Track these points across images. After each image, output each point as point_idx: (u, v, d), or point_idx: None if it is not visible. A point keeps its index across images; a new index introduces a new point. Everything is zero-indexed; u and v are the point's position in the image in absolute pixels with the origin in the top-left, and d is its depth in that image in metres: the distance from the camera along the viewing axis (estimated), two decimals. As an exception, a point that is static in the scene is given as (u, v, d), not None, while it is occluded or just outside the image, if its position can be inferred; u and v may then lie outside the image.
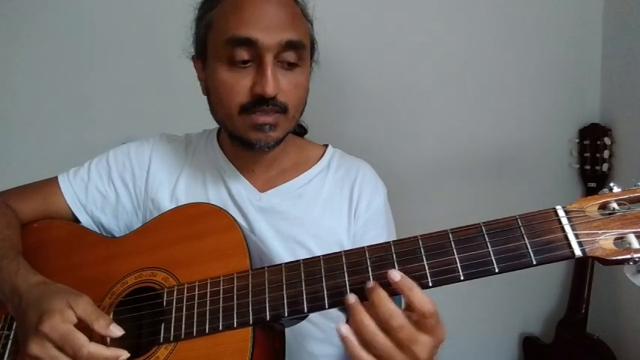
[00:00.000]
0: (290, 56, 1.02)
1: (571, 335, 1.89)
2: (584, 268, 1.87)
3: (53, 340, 0.81)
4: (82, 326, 0.83)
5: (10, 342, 1.00)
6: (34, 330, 0.82)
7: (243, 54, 0.99)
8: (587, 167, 1.90)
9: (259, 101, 1.00)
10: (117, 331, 0.85)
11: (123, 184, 1.21)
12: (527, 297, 2.06)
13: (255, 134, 1.04)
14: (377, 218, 1.21)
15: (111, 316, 0.95)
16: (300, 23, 1.06)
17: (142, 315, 0.96)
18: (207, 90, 1.11)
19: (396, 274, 0.76)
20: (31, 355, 0.82)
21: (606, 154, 1.84)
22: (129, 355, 0.84)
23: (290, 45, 1.00)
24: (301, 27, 1.05)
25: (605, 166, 1.83)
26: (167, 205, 1.16)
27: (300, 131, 1.35)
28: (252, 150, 1.07)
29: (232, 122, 1.05)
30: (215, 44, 1.04)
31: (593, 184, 1.89)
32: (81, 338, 0.81)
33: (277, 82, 1.00)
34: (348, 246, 1.16)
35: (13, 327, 1.01)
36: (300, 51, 1.03)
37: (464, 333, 2.03)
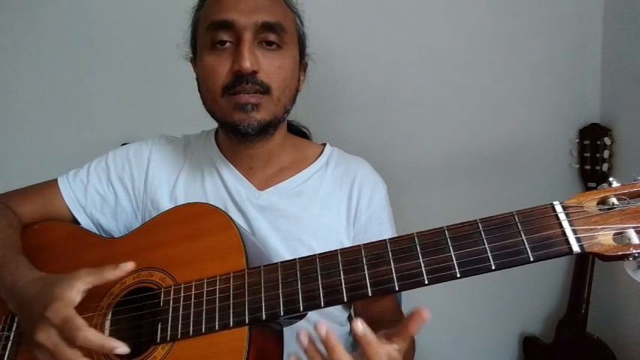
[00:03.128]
0: (269, 37, 1.05)
1: (571, 335, 1.88)
2: (584, 268, 1.86)
3: (55, 324, 0.82)
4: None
5: (10, 343, 1.00)
6: (40, 317, 0.83)
7: (222, 35, 1.03)
8: (587, 167, 1.89)
9: (239, 79, 1.02)
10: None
11: (122, 185, 1.22)
12: (527, 297, 2.05)
13: (238, 115, 1.04)
14: (379, 214, 1.22)
15: (109, 316, 0.95)
16: (279, 9, 1.09)
17: (140, 315, 0.96)
18: (197, 82, 1.13)
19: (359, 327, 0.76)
20: (38, 343, 0.83)
21: (606, 154, 1.83)
22: (127, 348, 0.83)
23: (267, 26, 1.03)
24: (280, 11, 1.08)
25: (605, 166, 1.83)
26: (166, 205, 1.16)
27: (302, 136, 1.36)
28: (237, 135, 1.07)
29: (218, 106, 1.07)
30: (200, 36, 1.09)
31: (593, 184, 1.88)
32: (79, 322, 0.81)
33: (255, 59, 1.02)
34: (348, 244, 1.17)
35: (13, 328, 1.01)
36: (280, 33, 1.06)
37: (464, 333, 2.03)
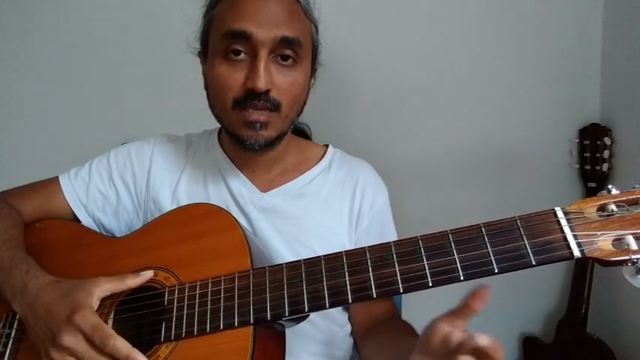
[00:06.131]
0: (286, 52, 1.02)
1: (571, 335, 1.89)
2: (584, 268, 1.87)
3: (84, 330, 0.84)
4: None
5: (10, 341, 1.00)
6: (66, 321, 0.85)
7: (237, 46, 1.01)
8: (587, 167, 1.90)
9: (251, 96, 1.00)
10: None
11: (124, 184, 1.22)
12: (527, 297, 2.05)
13: (246, 131, 1.04)
14: (382, 216, 1.23)
15: (112, 315, 0.95)
16: (299, 21, 1.06)
17: (143, 314, 0.96)
18: (206, 84, 1.12)
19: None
20: (64, 347, 0.84)
21: (606, 154, 1.84)
22: None
23: (285, 41, 1.01)
24: (299, 25, 1.05)
25: (605, 166, 1.83)
26: (168, 205, 1.16)
27: (303, 136, 1.36)
28: (243, 147, 1.06)
29: (227, 116, 1.06)
30: (214, 39, 1.06)
31: (593, 184, 1.88)
32: (110, 330, 0.85)
33: (269, 77, 1.00)
34: (349, 246, 1.17)
35: (14, 326, 1.02)
36: (297, 49, 1.03)
37: (464, 332, 2.03)
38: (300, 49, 1.04)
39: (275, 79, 1.02)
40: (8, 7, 1.86)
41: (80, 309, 0.85)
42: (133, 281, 0.93)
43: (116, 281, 0.92)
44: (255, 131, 1.03)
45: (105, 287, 0.91)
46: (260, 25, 0.99)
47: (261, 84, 0.98)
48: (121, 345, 0.83)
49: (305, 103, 1.14)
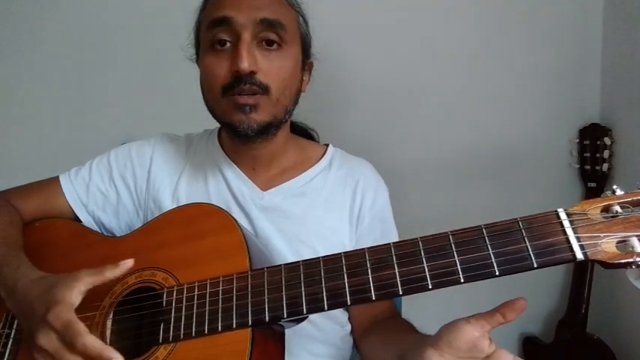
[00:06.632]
0: (269, 36, 1.04)
1: (571, 335, 1.89)
2: (584, 268, 1.86)
3: (56, 328, 0.81)
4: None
5: (10, 341, 1.00)
6: (42, 320, 0.82)
7: (221, 34, 1.03)
8: (587, 167, 1.89)
9: (238, 80, 1.01)
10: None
11: (124, 183, 1.22)
12: (527, 297, 2.02)
13: (237, 115, 1.04)
14: (383, 215, 1.22)
15: (111, 315, 0.95)
16: (280, 6, 1.08)
17: (142, 315, 0.96)
18: (200, 84, 1.12)
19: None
20: (39, 347, 0.82)
21: (606, 154, 1.83)
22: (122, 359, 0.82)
23: (266, 23, 1.02)
24: (281, 10, 1.07)
25: (605, 166, 1.83)
26: (168, 204, 1.16)
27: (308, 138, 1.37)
28: (237, 135, 1.06)
29: (218, 106, 1.07)
30: (202, 36, 1.09)
31: (593, 184, 1.88)
32: (80, 327, 0.80)
33: (253, 59, 1.01)
34: (350, 246, 1.17)
35: (14, 326, 1.01)
36: (280, 32, 1.04)
37: (464, 333, 2.03)
38: (283, 32, 1.05)
39: (260, 63, 1.03)
40: (8, 7, 1.86)
41: (55, 306, 0.82)
42: (112, 272, 0.89)
43: (96, 274, 0.88)
44: (245, 114, 1.03)
45: (86, 280, 0.86)
46: (240, 9, 1.02)
47: (244, 65, 0.99)
48: (91, 343, 0.79)
49: (299, 91, 1.15)
